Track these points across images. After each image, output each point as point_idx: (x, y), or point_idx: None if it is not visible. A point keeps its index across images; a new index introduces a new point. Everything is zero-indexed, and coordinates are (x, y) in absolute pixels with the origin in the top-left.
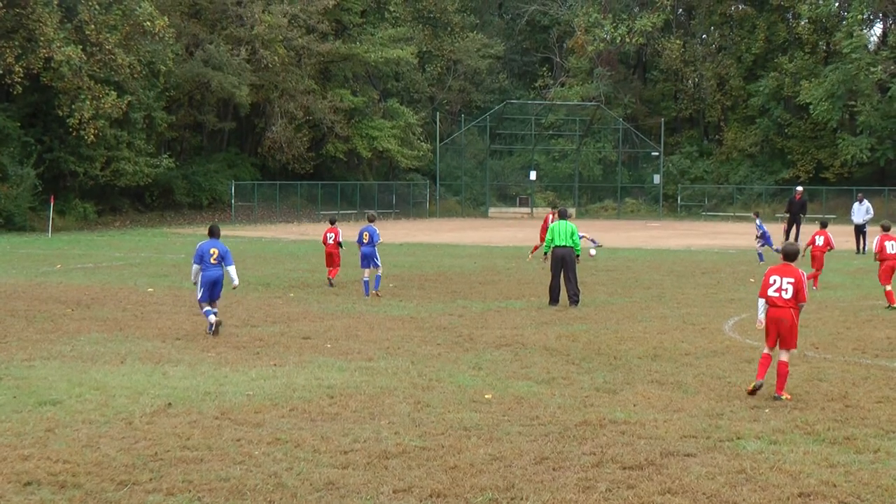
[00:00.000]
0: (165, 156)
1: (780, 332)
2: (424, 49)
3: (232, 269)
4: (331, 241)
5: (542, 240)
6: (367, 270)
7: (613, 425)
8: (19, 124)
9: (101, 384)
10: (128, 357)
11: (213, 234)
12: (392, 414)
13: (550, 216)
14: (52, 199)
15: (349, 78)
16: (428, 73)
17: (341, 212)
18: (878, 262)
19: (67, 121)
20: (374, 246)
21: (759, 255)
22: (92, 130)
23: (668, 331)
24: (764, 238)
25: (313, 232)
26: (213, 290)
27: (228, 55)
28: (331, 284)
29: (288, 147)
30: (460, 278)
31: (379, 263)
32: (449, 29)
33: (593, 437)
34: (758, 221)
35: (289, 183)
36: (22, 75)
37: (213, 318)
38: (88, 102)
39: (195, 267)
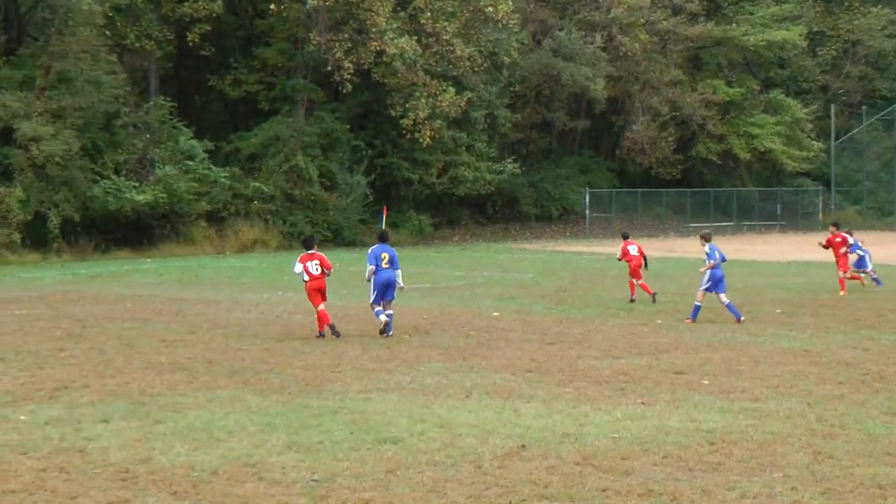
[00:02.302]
0: (509, 160)
1: None
2: (815, 29)
3: (398, 273)
4: (635, 253)
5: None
6: (722, 294)
7: None
8: (348, 127)
9: (446, 421)
10: (474, 391)
11: (383, 239)
12: (787, 465)
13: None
14: (384, 211)
15: (723, 66)
16: (820, 57)
17: (714, 224)
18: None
19: (401, 121)
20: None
21: (876, 280)
22: (428, 132)
23: None
24: (860, 260)
25: (681, 248)
26: (385, 291)
27: (581, 43)
28: (654, 300)
29: (651, 148)
30: (864, 303)
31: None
32: (846, 4)
33: None
34: (851, 240)
35: (652, 190)
36: (352, 71)
37: (383, 318)
38: (424, 100)
39: (370, 267)
